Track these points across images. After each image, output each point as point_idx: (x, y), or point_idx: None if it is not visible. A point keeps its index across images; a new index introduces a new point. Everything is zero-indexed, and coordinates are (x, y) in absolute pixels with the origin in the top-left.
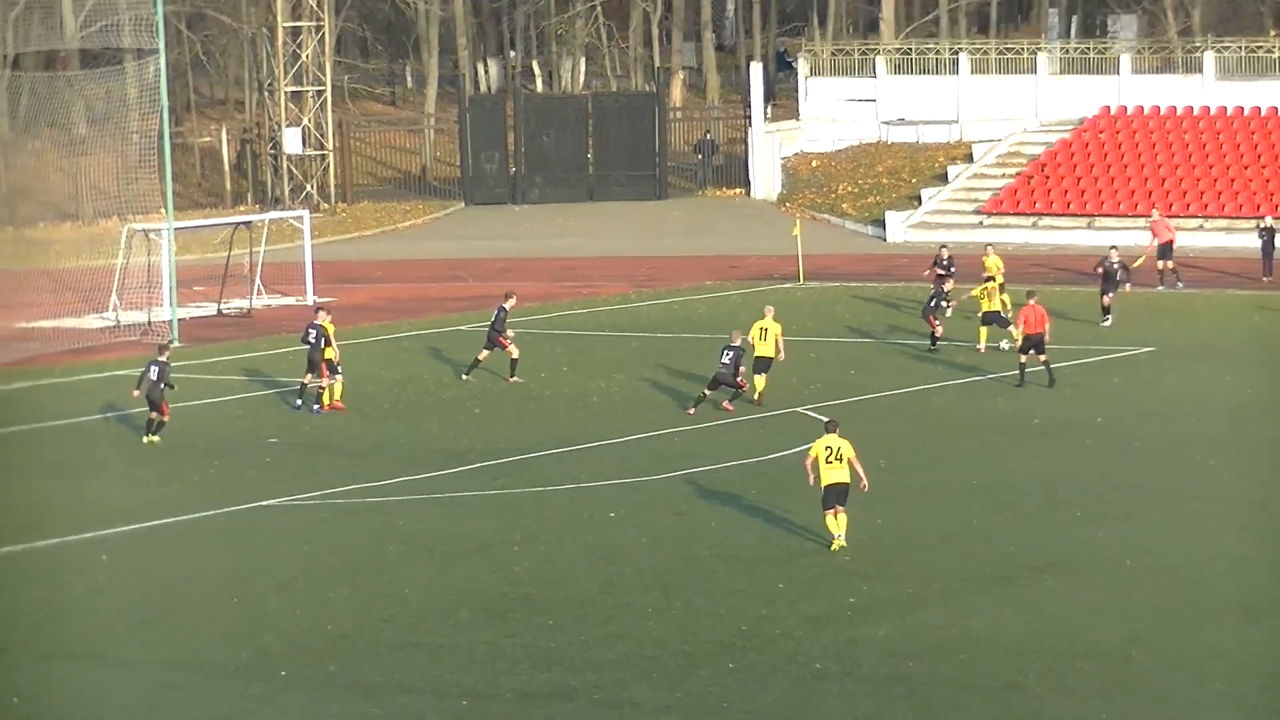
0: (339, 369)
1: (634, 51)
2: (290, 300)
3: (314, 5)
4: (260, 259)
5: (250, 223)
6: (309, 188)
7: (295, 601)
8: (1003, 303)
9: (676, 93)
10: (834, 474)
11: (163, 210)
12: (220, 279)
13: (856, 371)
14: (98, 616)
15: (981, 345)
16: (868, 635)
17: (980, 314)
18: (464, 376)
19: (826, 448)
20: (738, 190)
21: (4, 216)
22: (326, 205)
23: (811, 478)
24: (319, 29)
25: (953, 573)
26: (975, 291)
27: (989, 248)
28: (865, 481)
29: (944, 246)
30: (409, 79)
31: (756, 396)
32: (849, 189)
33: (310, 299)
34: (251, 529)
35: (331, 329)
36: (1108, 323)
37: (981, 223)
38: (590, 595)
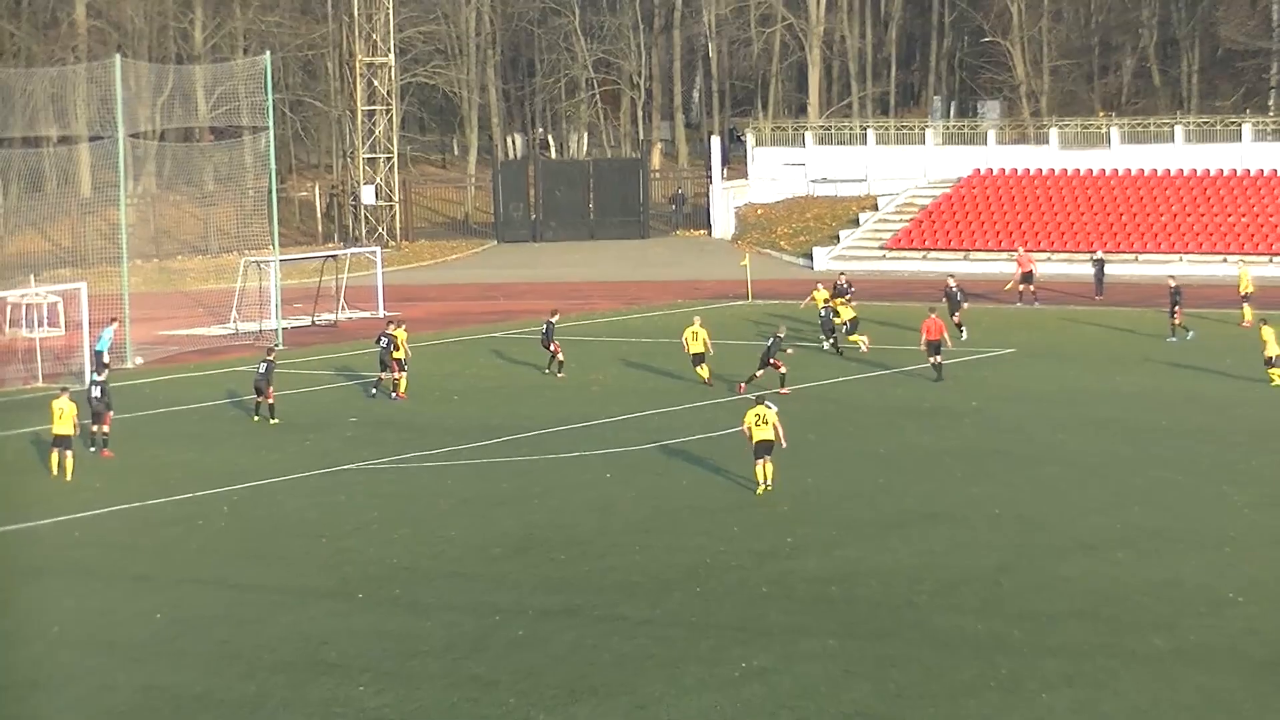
0: (405, 367)
1: (624, 128)
2: (366, 314)
3: (385, 93)
4: (344, 283)
5: (336, 256)
6: (380, 229)
7: (368, 541)
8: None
9: (655, 158)
10: (761, 434)
11: (270, 246)
12: (314, 298)
13: (790, 368)
14: (222, 552)
15: (865, 346)
16: (801, 566)
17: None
18: (545, 372)
19: (756, 415)
20: (702, 231)
21: (151, 251)
22: (393, 243)
23: (746, 436)
24: (388, 111)
25: (863, 519)
26: (831, 305)
27: (841, 274)
28: (784, 441)
29: (842, 273)
30: (455, 148)
31: (708, 378)
32: (785, 230)
33: (381, 313)
34: (336, 486)
35: (404, 337)
36: (964, 337)
37: (885, 255)
38: (590, 536)
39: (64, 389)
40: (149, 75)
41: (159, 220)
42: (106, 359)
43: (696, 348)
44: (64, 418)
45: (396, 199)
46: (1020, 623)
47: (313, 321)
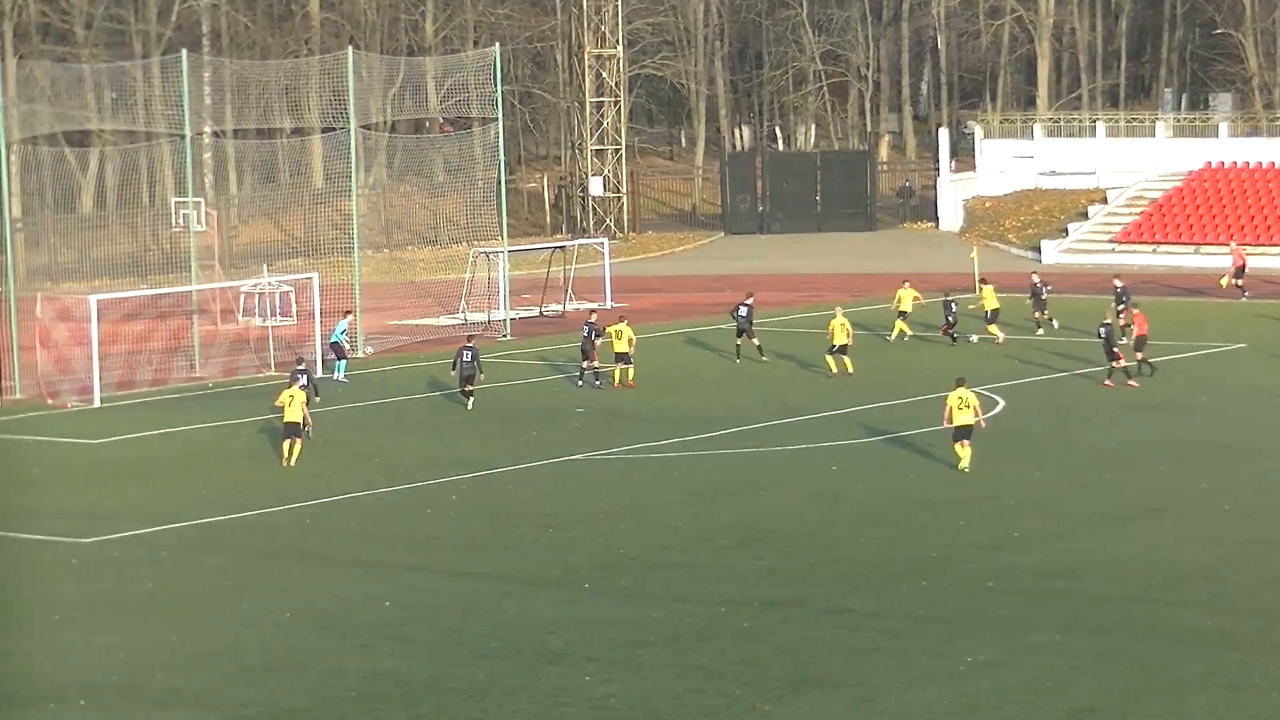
0: (630, 358)
1: (851, 120)
2: (593, 305)
3: (613, 85)
4: (571, 274)
5: (564, 247)
6: (608, 221)
7: (595, 530)
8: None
9: (883, 150)
10: (963, 417)
11: (499, 237)
12: (541, 289)
13: (1012, 362)
14: (450, 540)
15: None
16: (1027, 560)
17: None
18: (763, 360)
19: (958, 398)
20: (929, 224)
21: (382, 241)
22: (620, 234)
23: (946, 418)
24: (616, 103)
25: (1089, 513)
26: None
27: (1034, 274)
28: (984, 422)
29: (1034, 273)
30: (683, 140)
31: (848, 369)
32: (1014, 223)
33: (609, 304)
34: (563, 476)
35: (629, 332)
36: (1040, 333)
37: (1114, 249)
38: (815, 529)
39: (621, 317)
40: (380, 67)
41: (389, 211)
42: (347, 346)
43: (841, 339)
44: (293, 406)
45: (624, 190)
46: (1248, 619)
47: (540, 312)
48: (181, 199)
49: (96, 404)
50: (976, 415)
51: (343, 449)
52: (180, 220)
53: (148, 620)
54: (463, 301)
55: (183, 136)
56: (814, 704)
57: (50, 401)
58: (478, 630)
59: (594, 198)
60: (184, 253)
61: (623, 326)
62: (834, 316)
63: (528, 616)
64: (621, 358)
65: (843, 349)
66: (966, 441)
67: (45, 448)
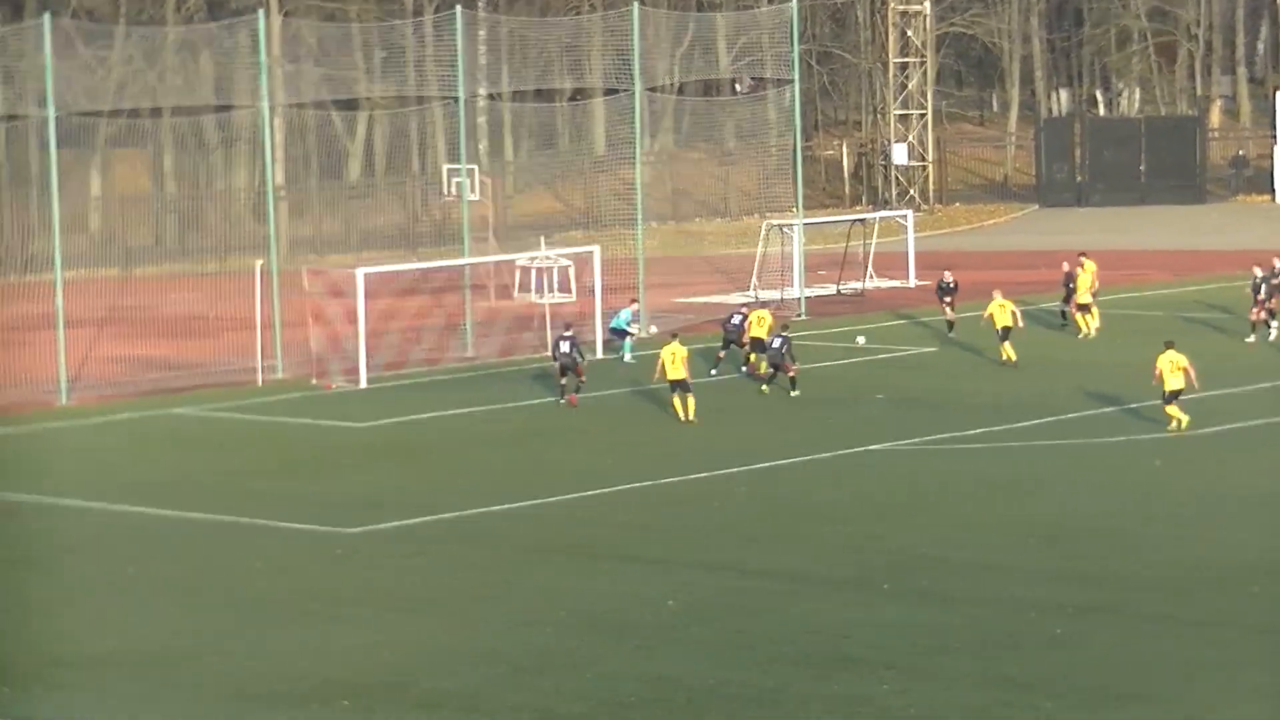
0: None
1: (1179, 83)
2: (895, 283)
3: (919, 44)
4: (871, 249)
5: (864, 220)
6: (912, 192)
7: (893, 527)
8: None
9: (1214, 116)
10: (1173, 380)
11: (794, 209)
12: (839, 265)
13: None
14: (737, 535)
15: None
16: None
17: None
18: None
19: (1169, 360)
20: (1265, 196)
21: (668, 213)
22: (925, 206)
23: (1155, 378)
24: (922, 64)
25: None
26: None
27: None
28: (1196, 385)
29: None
30: (994, 104)
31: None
32: None
33: (912, 282)
34: (858, 468)
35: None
36: (1271, 336)
37: None
38: (1134, 527)
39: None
40: (668, 24)
41: (676, 180)
42: (634, 331)
43: (1005, 320)
44: (676, 362)
45: (930, 159)
46: None
47: (838, 290)
48: (454, 166)
49: (363, 385)
50: (1189, 378)
51: (619, 435)
52: (453, 189)
53: (414, 618)
54: (754, 278)
55: (456, 99)
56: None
57: (314, 382)
58: (766, 633)
59: (897, 166)
60: (456, 224)
61: (765, 313)
62: (993, 298)
63: (820, 619)
64: (756, 343)
65: (1006, 331)
66: (1176, 404)
67: (309, 431)
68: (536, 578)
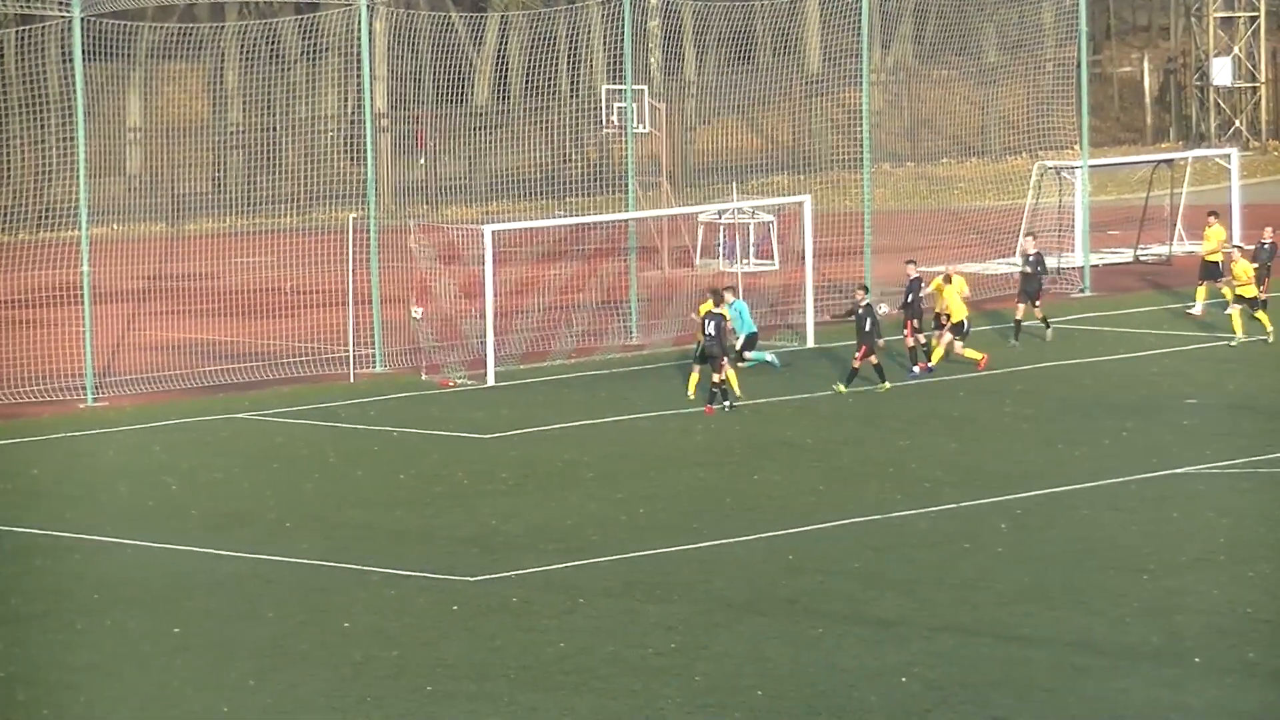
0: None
1: None
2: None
3: None
4: (1182, 201)
5: (1172, 161)
6: (1237, 123)
7: (1212, 579)
8: None
9: None
10: None
11: (1077, 147)
12: (1138, 222)
13: None
14: (996, 589)
15: None
16: None
17: None
18: None
19: None
20: None
21: (905, 151)
22: (1256, 143)
23: None
24: None
25: None
26: None
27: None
28: None
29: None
30: None
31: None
32: None
33: (1234, 246)
34: (1164, 497)
35: (962, 286)
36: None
37: None
38: None
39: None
40: None
41: (916, 106)
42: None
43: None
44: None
45: (1264, 79)
46: None
47: (1135, 256)
48: (617, 87)
49: (490, 382)
50: None
51: (843, 453)
52: (615, 117)
53: (560, 695)
54: (1021, 239)
55: None
56: None
57: (426, 377)
58: (1036, 718)
59: (1218, 89)
60: (618, 165)
61: (959, 279)
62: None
63: (1112, 701)
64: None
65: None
66: None
67: (417, 443)
68: (728, 642)
